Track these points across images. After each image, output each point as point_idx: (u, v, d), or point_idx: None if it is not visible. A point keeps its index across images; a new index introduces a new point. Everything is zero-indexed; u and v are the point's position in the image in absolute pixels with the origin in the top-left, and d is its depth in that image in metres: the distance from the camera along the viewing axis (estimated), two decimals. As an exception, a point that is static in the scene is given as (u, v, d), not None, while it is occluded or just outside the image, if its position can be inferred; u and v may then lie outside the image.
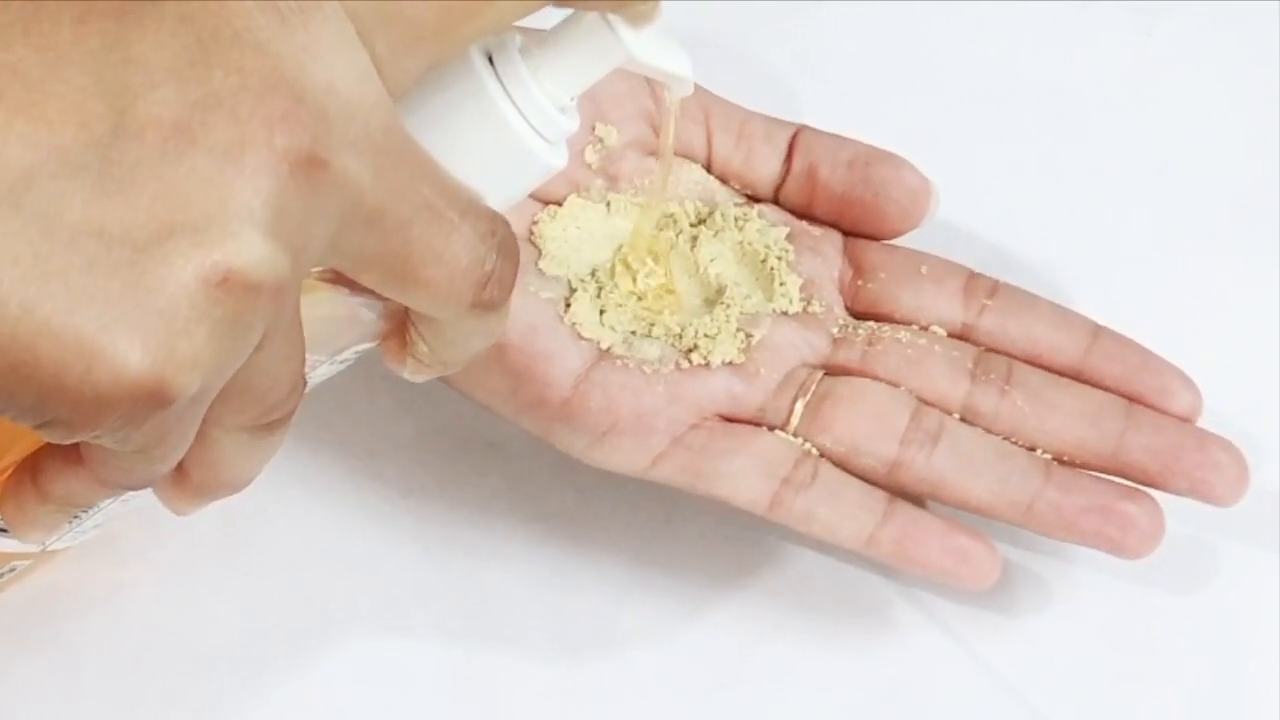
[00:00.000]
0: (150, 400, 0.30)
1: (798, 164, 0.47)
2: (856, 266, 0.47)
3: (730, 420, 0.45)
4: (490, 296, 0.34)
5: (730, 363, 0.45)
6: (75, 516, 0.37)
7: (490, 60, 0.35)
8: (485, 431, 0.50)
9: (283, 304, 0.31)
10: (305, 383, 0.34)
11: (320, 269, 0.33)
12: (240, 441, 0.34)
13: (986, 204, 0.55)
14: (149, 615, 0.49)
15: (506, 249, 0.34)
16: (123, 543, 0.50)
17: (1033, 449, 0.45)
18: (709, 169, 0.48)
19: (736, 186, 0.48)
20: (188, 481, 0.35)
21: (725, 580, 0.49)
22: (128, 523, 0.50)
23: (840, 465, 0.45)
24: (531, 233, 0.46)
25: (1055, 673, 0.49)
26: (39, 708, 0.48)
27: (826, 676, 0.49)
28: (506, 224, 0.34)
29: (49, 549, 0.42)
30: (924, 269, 0.47)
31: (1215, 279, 0.55)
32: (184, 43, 0.30)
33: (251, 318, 0.30)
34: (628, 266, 0.46)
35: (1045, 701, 0.49)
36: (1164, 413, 0.45)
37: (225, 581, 0.49)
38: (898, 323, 0.47)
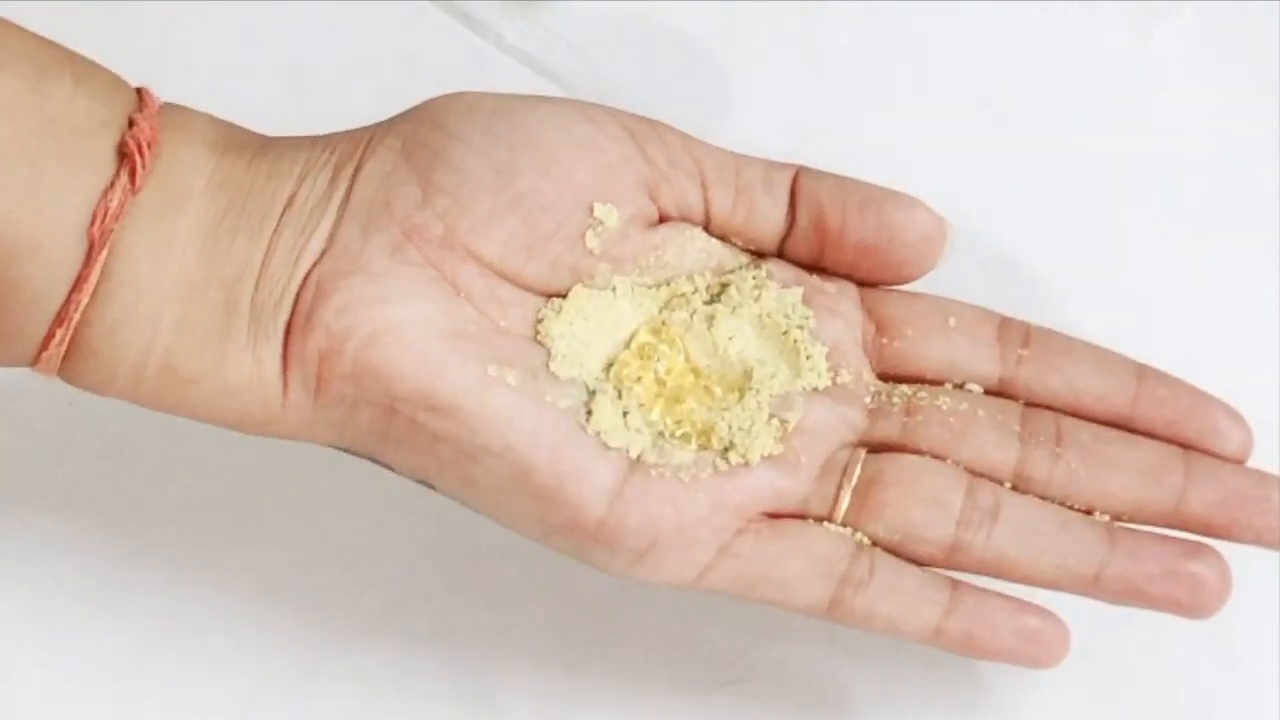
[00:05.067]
0: None
1: (803, 214, 0.44)
2: (879, 322, 0.45)
3: (775, 516, 0.43)
4: None
5: (769, 455, 0.43)
6: None
7: None
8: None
9: None
10: None
11: None
12: None
13: (986, 204, 0.55)
14: (149, 615, 0.49)
15: None
16: (122, 541, 0.50)
17: (1089, 511, 0.43)
18: (708, 228, 0.45)
19: (739, 244, 0.45)
20: None
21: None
22: (127, 522, 0.50)
23: (895, 553, 0.43)
24: (538, 332, 0.43)
25: (1055, 673, 0.49)
26: (39, 708, 0.48)
27: (826, 676, 0.49)
28: None
29: None
30: (952, 320, 0.45)
31: (1215, 279, 0.55)
32: None
33: None
34: (643, 356, 0.44)
35: (1045, 701, 0.49)
36: (1217, 455, 0.43)
37: (225, 581, 0.50)
38: (930, 382, 0.44)
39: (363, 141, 0.43)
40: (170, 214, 0.41)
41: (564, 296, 0.44)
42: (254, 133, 0.44)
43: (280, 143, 0.44)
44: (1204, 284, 0.55)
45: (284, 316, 0.42)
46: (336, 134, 0.44)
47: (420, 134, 0.43)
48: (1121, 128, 0.57)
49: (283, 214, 0.42)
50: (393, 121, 0.44)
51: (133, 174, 0.41)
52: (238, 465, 0.51)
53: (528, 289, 0.43)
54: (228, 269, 0.42)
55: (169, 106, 0.43)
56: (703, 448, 0.43)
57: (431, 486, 0.43)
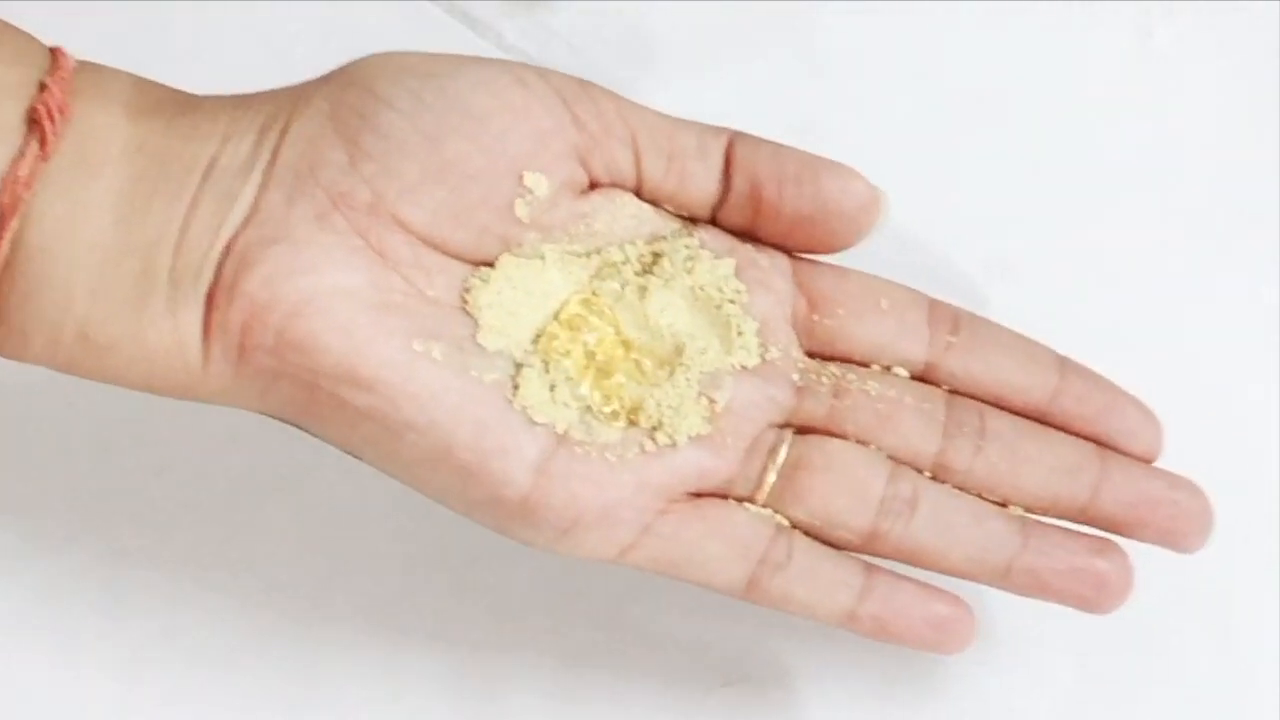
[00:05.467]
0: None
1: (739, 182, 0.43)
2: (811, 299, 0.44)
3: (698, 496, 0.43)
4: None
5: (697, 435, 0.43)
6: None
7: None
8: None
9: None
10: None
11: None
12: None
13: (986, 203, 0.55)
14: (149, 615, 0.49)
15: None
16: (122, 541, 0.50)
17: (1005, 504, 0.44)
18: (639, 193, 0.44)
19: (671, 210, 0.44)
20: None
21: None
22: (127, 522, 0.50)
23: (814, 537, 0.43)
24: (465, 301, 0.42)
25: (1055, 672, 0.49)
26: (39, 707, 0.48)
27: (826, 676, 0.49)
28: None
29: None
30: (884, 302, 0.45)
31: (1215, 279, 0.55)
32: None
33: None
34: (572, 328, 0.43)
35: (1046, 701, 0.49)
36: (1128, 454, 0.44)
37: (225, 581, 0.49)
38: (857, 363, 0.44)
39: (289, 103, 0.42)
40: (84, 180, 0.41)
41: (492, 265, 0.43)
42: (178, 91, 0.43)
43: (203, 103, 0.43)
44: (1204, 283, 0.55)
45: (205, 285, 0.41)
46: (261, 94, 0.43)
47: (348, 97, 0.42)
48: (1121, 127, 0.57)
49: (203, 178, 0.41)
50: (320, 82, 0.43)
51: (43, 141, 0.40)
52: (237, 465, 0.51)
53: (455, 257, 0.42)
54: (144, 235, 0.41)
55: (86, 67, 0.42)
56: (631, 424, 0.43)
57: (357, 456, 0.43)
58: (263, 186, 0.41)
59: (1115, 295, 0.54)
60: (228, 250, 0.41)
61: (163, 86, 0.43)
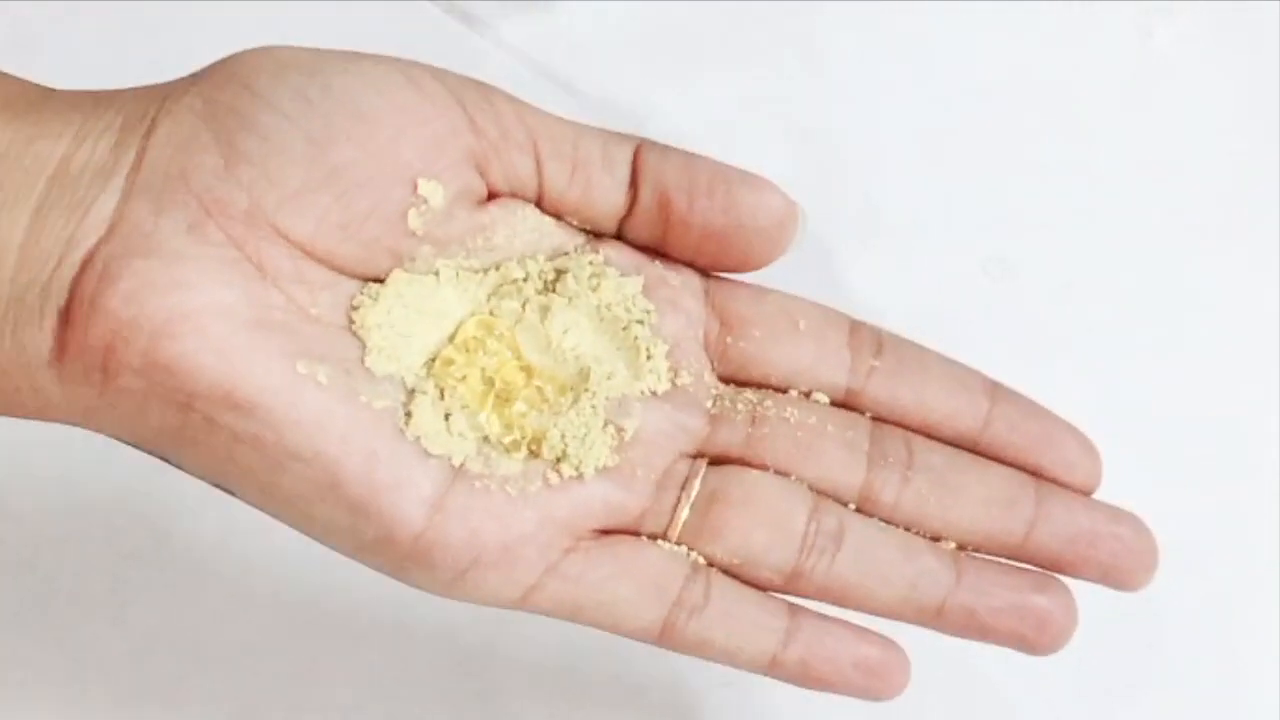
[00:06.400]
0: None
1: (646, 194, 0.40)
2: (724, 319, 0.41)
3: (607, 533, 0.40)
4: None
5: (603, 467, 0.39)
6: None
7: None
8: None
9: None
10: None
11: None
12: None
13: (986, 203, 0.55)
14: (149, 615, 0.49)
15: None
16: (123, 541, 0.50)
17: (937, 538, 0.41)
18: (541, 204, 0.40)
19: (575, 223, 0.41)
20: None
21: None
22: (127, 522, 0.50)
23: (733, 576, 0.40)
24: (352, 320, 0.38)
25: (1055, 672, 0.49)
26: (39, 707, 0.48)
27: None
28: None
29: None
30: (801, 323, 0.41)
31: (1215, 278, 0.55)
32: None
33: None
34: (468, 351, 0.40)
35: (1045, 701, 0.49)
36: (1067, 486, 0.41)
37: (225, 581, 0.49)
38: (774, 388, 0.41)
39: (155, 100, 0.38)
40: None
41: (381, 281, 0.39)
42: (28, 85, 0.39)
43: (54, 97, 0.39)
44: (1204, 282, 0.55)
45: (58, 301, 0.37)
46: (122, 90, 0.39)
47: (225, 94, 0.38)
48: (1122, 126, 0.57)
49: (50, 183, 0.37)
50: (192, 79, 0.38)
51: None
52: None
53: (341, 272, 0.39)
54: None
55: None
56: (532, 455, 0.39)
57: (230, 492, 0.39)
58: (126, 193, 0.37)
59: (1115, 294, 0.54)
60: (87, 264, 0.37)
61: (14, 80, 0.39)
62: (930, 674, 0.49)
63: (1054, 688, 0.49)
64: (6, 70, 0.39)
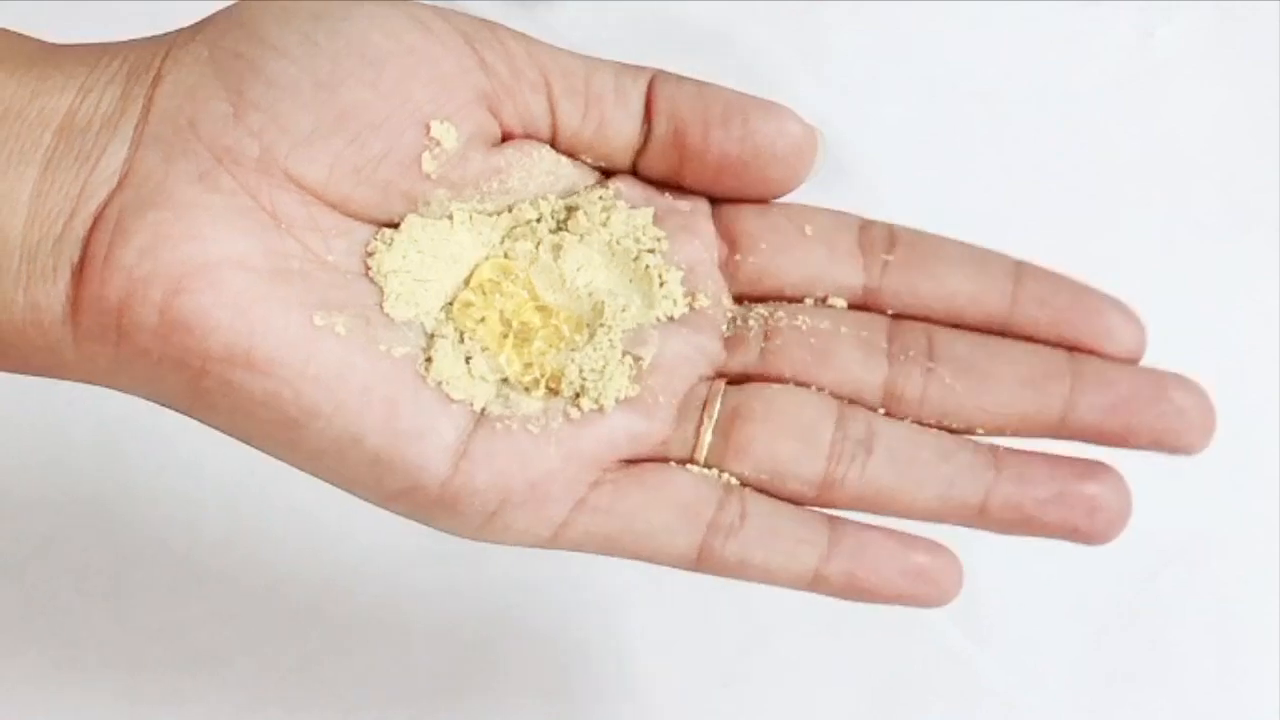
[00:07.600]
0: None
1: (660, 127, 0.39)
2: (730, 239, 0.40)
3: (633, 462, 0.39)
4: None
5: (624, 398, 0.39)
6: None
7: None
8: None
9: None
10: None
11: None
12: None
13: (986, 202, 0.55)
14: (149, 615, 0.49)
15: None
16: (124, 541, 0.50)
17: (970, 431, 0.39)
18: (555, 143, 0.40)
19: (589, 160, 0.40)
20: None
21: (726, 580, 0.49)
22: (128, 522, 0.50)
23: (765, 493, 0.39)
24: (368, 267, 0.38)
25: (1054, 672, 0.49)
26: (39, 707, 0.48)
27: (826, 676, 0.49)
28: None
29: None
30: (808, 229, 0.40)
31: (1215, 278, 0.55)
32: None
33: None
34: (485, 294, 0.40)
35: (1047, 701, 0.49)
36: (1106, 357, 0.39)
37: (225, 581, 0.50)
38: (790, 299, 0.40)
39: (160, 50, 0.37)
40: None
41: (396, 226, 0.39)
42: (31, 41, 0.38)
43: (57, 53, 0.38)
44: (1205, 280, 0.55)
45: (71, 256, 0.36)
46: (127, 42, 0.38)
47: (230, 41, 0.37)
48: (1122, 126, 0.57)
49: (57, 136, 0.37)
50: (197, 26, 0.38)
51: None
52: (237, 465, 0.51)
53: (356, 218, 0.38)
54: None
55: None
56: (552, 393, 0.39)
57: (256, 447, 0.39)
58: (135, 144, 0.36)
59: (1114, 293, 0.54)
60: (98, 217, 0.36)
61: (17, 36, 0.38)
62: (930, 674, 0.49)
63: (1054, 687, 0.49)
64: (5, 27, 0.38)
